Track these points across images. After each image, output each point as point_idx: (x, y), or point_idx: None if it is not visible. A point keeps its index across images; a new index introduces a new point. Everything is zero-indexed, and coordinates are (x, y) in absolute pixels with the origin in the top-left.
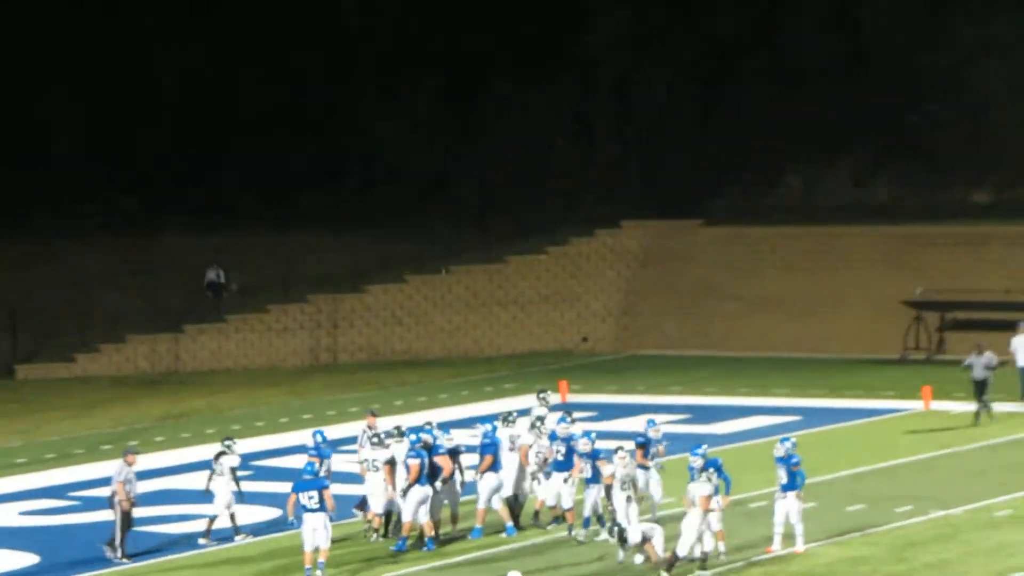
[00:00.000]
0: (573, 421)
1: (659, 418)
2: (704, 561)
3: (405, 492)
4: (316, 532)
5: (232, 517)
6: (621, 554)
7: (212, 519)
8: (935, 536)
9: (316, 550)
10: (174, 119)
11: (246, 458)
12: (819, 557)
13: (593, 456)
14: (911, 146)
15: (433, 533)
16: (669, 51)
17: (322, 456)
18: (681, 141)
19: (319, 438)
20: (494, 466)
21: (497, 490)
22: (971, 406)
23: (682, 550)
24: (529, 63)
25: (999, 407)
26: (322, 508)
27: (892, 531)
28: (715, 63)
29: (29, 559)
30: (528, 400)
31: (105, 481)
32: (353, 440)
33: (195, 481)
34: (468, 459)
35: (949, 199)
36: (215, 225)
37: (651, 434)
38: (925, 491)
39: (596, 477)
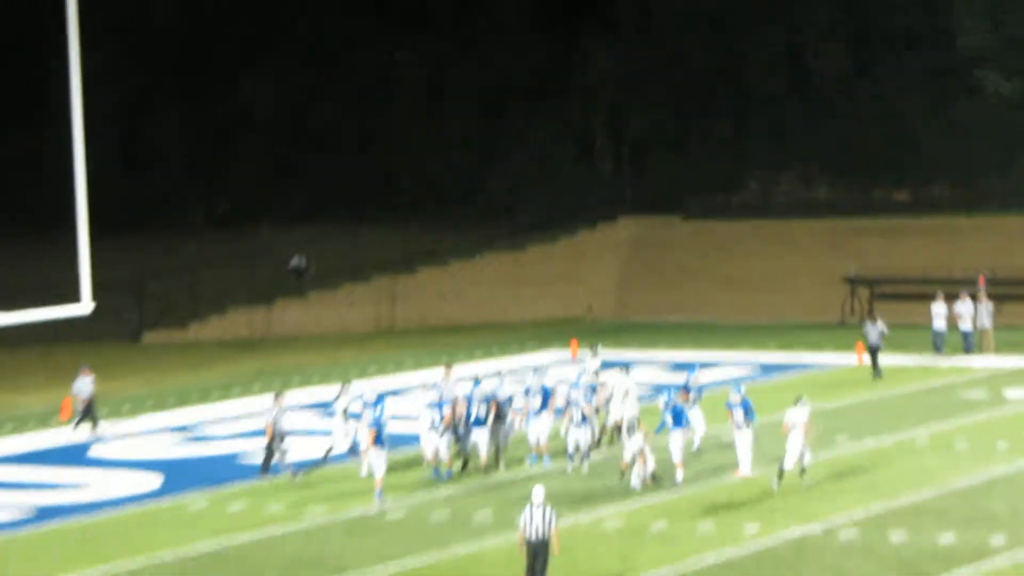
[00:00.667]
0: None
1: (648, 370)
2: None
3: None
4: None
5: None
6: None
7: (329, 449)
8: (868, 461)
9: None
10: (262, 136)
11: (327, 404)
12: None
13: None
14: (847, 156)
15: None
16: (652, 85)
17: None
18: (663, 155)
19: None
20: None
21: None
22: (898, 360)
23: (788, 464)
24: (544, 94)
25: (918, 360)
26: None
27: (833, 457)
28: (688, 92)
29: (154, 481)
30: (543, 356)
31: (214, 420)
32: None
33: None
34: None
35: (877, 198)
36: (298, 221)
37: (692, 382)
38: (858, 424)
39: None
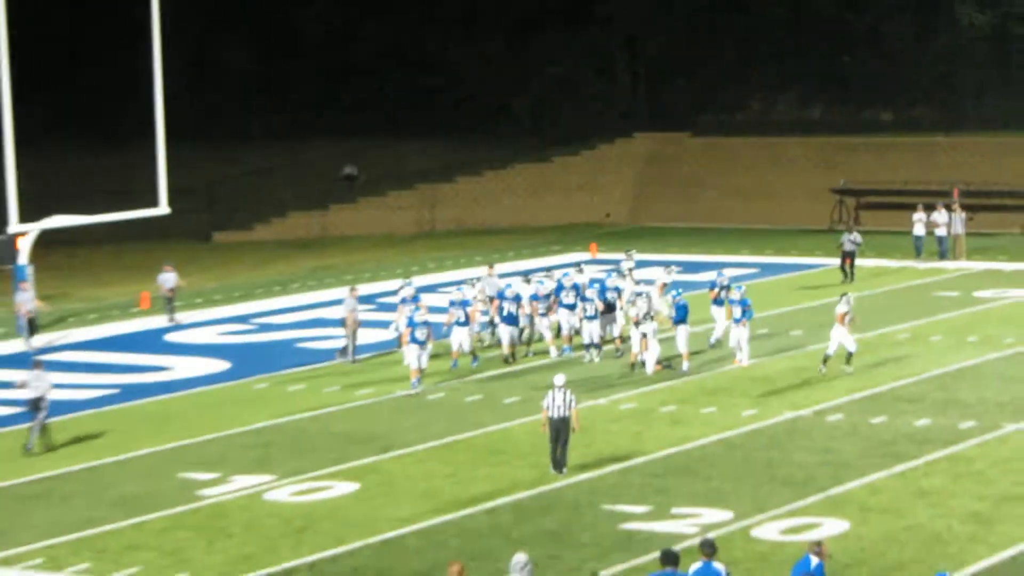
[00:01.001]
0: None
1: (659, 271)
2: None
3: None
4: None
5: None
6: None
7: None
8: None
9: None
10: (315, 59)
11: (371, 298)
12: (771, 366)
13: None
14: (839, 79)
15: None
16: (666, 14)
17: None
18: (675, 76)
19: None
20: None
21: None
22: (880, 262)
23: (831, 350)
24: (568, 21)
25: (898, 263)
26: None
27: (821, 349)
28: (699, 21)
29: (223, 365)
30: (566, 257)
31: (276, 312)
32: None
33: (338, 312)
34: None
35: (865, 118)
36: (349, 134)
37: (719, 280)
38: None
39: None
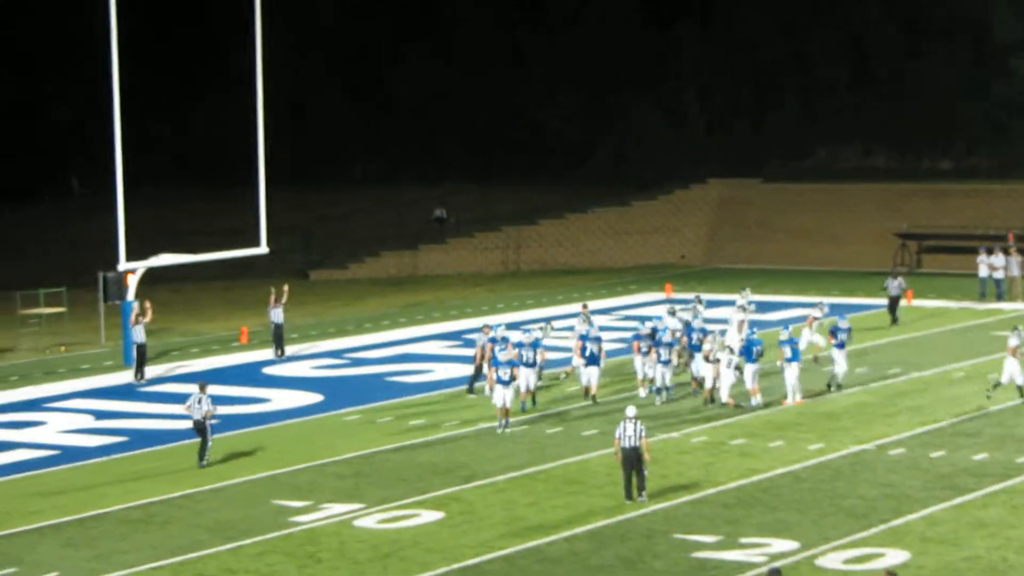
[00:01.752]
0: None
1: (729, 309)
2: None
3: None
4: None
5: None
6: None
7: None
8: (914, 389)
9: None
10: (411, 109)
11: (460, 333)
12: (837, 402)
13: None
14: (899, 131)
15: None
16: (735, 68)
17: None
18: (746, 127)
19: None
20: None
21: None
22: (940, 303)
23: (1004, 380)
24: (645, 75)
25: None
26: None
27: (885, 386)
28: (766, 74)
29: (317, 398)
30: (642, 296)
31: (367, 347)
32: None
33: (427, 347)
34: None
35: (924, 166)
36: (440, 179)
37: (842, 324)
38: (907, 359)
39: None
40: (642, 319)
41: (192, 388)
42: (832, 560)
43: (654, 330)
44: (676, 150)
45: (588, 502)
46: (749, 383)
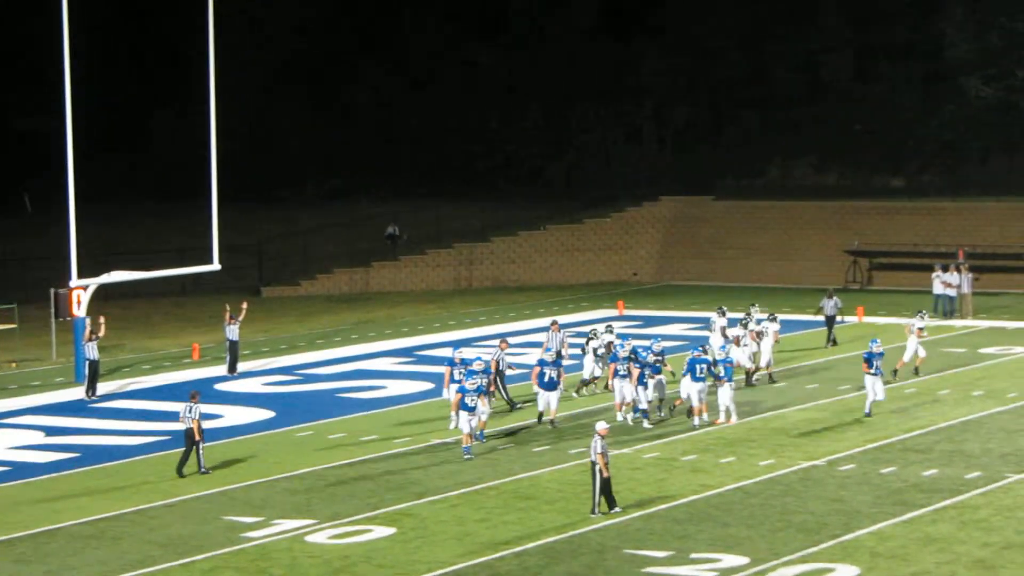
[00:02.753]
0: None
1: (681, 326)
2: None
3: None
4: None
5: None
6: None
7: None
8: (863, 405)
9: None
10: (362, 126)
11: (412, 350)
12: (787, 418)
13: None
14: (852, 149)
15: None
16: (691, 86)
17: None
18: (699, 145)
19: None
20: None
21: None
22: (891, 319)
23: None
24: (599, 92)
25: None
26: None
27: (837, 401)
28: (721, 92)
29: (268, 414)
30: (596, 313)
31: (319, 364)
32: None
33: (379, 364)
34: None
35: (876, 184)
36: (392, 196)
37: (875, 349)
38: (857, 375)
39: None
40: (623, 338)
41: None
42: (782, 575)
43: (634, 351)
44: (630, 167)
45: (539, 518)
46: (695, 401)
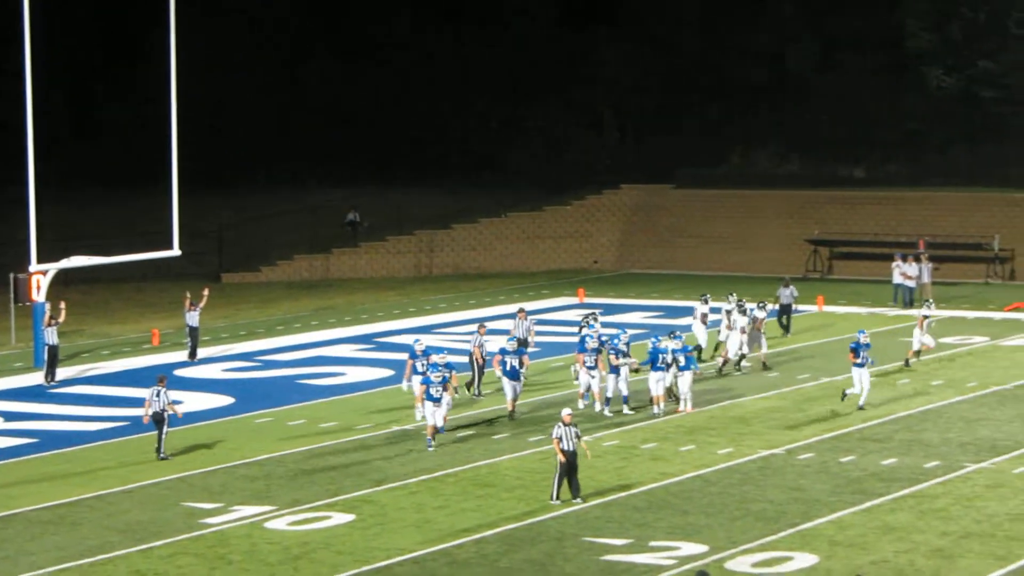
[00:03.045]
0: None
1: (641, 314)
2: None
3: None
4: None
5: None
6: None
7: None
8: (824, 394)
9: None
10: (325, 112)
11: (372, 336)
12: (747, 407)
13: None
14: (813, 138)
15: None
16: (652, 74)
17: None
18: (660, 134)
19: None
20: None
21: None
22: (851, 309)
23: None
24: (561, 79)
25: (873, 309)
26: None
27: (796, 390)
28: (682, 81)
29: (228, 400)
30: (556, 300)
31: (279, 350)
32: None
33: (338, 350)
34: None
35: (837, 173)
36: (354, 183)
37: (863, 340)
38: (817, 364)
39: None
40: (590, 326)
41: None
42: (741, 563)
43: (600, 339)
44: (591, 156)
45: (498, 505)
46: (653, 390)
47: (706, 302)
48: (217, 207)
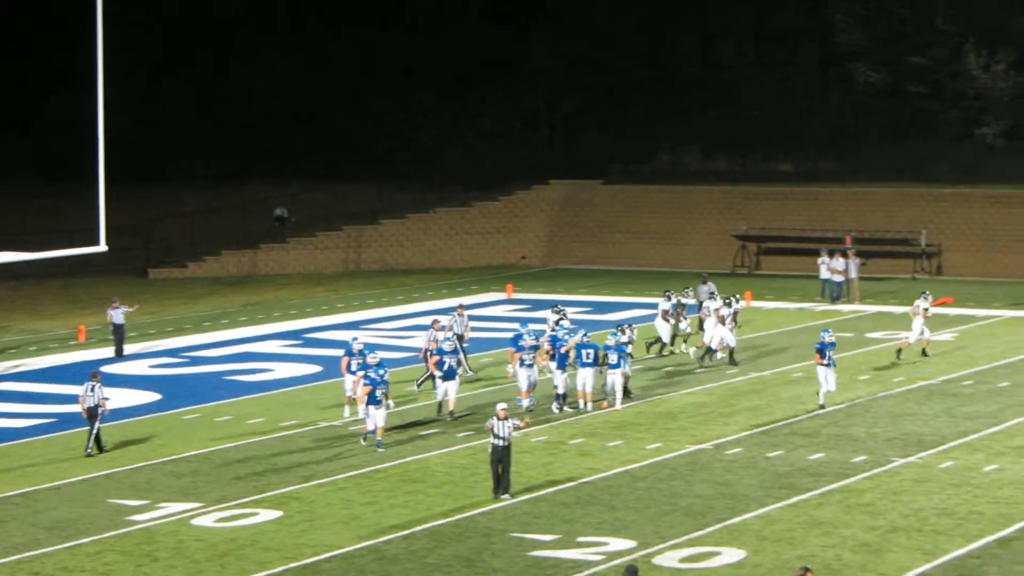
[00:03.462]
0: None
1: (569, 310)
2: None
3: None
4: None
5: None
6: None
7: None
8: (751, 389)
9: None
10: (252, 105)
11: (300, 332)
12: (675, 402)
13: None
14: (741, 134)
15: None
16: (583, 71)
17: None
18: (589, 130)
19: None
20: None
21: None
22: (778, 304)
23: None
24: (492, 77)
25: (801, 304)
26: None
27: (724, 385)
28: (613, 78)
29: (154, 396)
30: (484, 296)
31: (206, 346)
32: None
33: (266, 347)
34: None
35: (765, 169)
36: (282, 178)
37: (827, 339)
38: (747, 360)
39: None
40: (523, 323)
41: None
42: (669, 559)
43: (536, 335)
44: (522, 151)
45: (427, 501)
46: (580, 386)
47: (669, 299)
48: (149, 202)
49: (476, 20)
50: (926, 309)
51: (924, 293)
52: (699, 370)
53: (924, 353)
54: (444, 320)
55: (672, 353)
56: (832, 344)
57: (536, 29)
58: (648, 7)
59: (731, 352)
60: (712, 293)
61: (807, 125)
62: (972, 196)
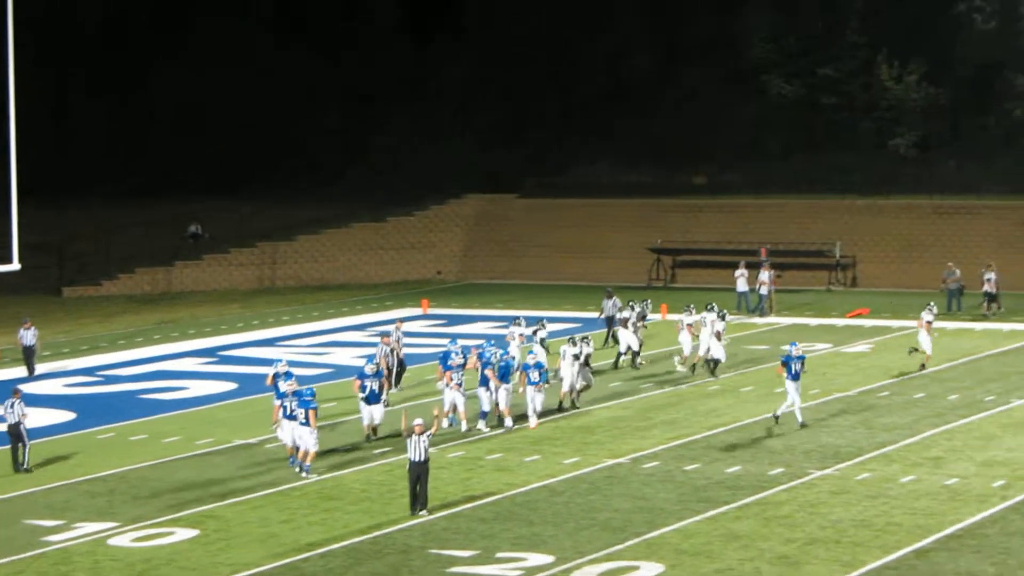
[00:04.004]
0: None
1: (485, 324)
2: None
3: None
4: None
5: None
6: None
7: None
8: (668, 403)
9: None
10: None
11: (215, 350)
12: (592, 416)
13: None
14: (655, 147)
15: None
16: (495, 85)
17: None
18: (502, 144)
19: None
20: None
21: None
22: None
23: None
24: (405, 91)
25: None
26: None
27: (641, 399)
28: (525, 91)
29: (69, 416)
30: (400, 312)
31: (121, 364)
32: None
33: (181, 364)
34: None
35: (679, 182)
36: (196, 195)
37: (794, 352)
38: (662, 373)
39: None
40: (454, 339)
41: None
42: (587, 574)
43: (464, 352)
44: (434, 167)
45: (344, 518)
46: (502, 404)
47: (633, 309)
48: (62, 219)
49: (382, 34)
50: (929, 322)
51: (929, 305)
52: (710, 381)
53: (922, 367)
54: (394, 334)
55: (643, 364)
56: (800, 357)
57: (443, 46)
58: (558, 21)
59: (715, 364)
60: (617, 306)
61: (720, 137)
62: (886, 207)
